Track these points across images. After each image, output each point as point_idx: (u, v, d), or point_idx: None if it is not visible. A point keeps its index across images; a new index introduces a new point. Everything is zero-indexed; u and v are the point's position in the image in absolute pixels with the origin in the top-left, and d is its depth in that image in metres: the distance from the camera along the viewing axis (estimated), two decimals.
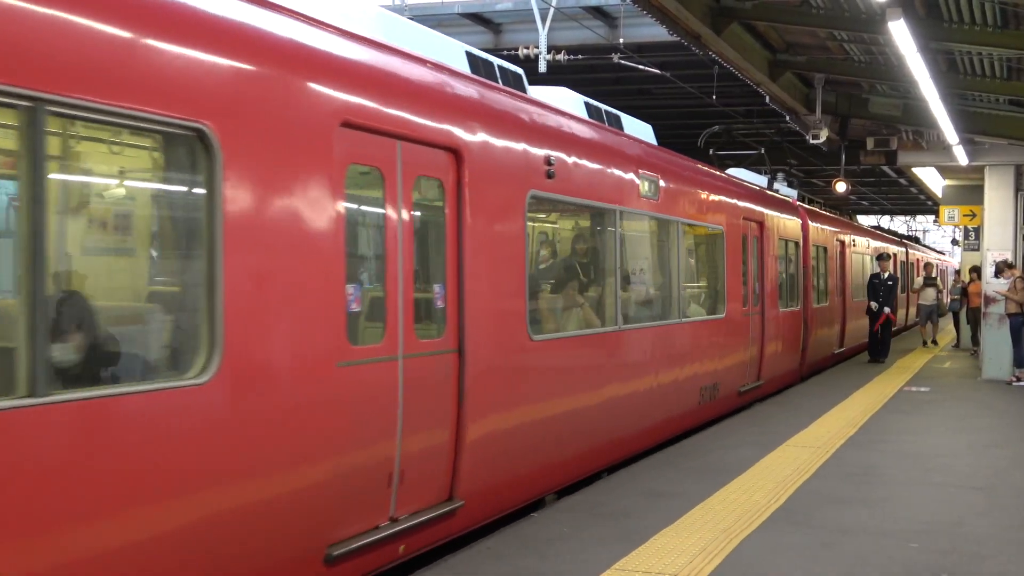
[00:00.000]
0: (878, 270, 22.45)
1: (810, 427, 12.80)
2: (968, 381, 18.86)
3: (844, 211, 37.67)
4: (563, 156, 8.99)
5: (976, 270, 22.77)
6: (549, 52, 18.05)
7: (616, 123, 11.57)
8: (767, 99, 17.83)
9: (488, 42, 19.27)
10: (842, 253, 23.48)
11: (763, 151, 22.65)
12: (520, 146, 8.31)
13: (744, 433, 12.39)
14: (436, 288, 7.15)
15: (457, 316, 7.25)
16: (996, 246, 19.76)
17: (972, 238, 27.38)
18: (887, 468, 10.31)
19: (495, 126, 7.90)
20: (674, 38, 14.08)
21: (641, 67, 18.99)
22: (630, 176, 10.63)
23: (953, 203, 24.49)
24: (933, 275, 26.98)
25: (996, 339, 19.20)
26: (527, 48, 18.21)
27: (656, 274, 12.25)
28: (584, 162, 9.58)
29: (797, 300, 18.68)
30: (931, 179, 29.49)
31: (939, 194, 27.42)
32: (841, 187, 23.67)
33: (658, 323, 11.72)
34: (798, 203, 19.89)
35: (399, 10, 18.24)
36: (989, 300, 19.55)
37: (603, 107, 11.35)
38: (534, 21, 18.06)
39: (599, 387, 9.81)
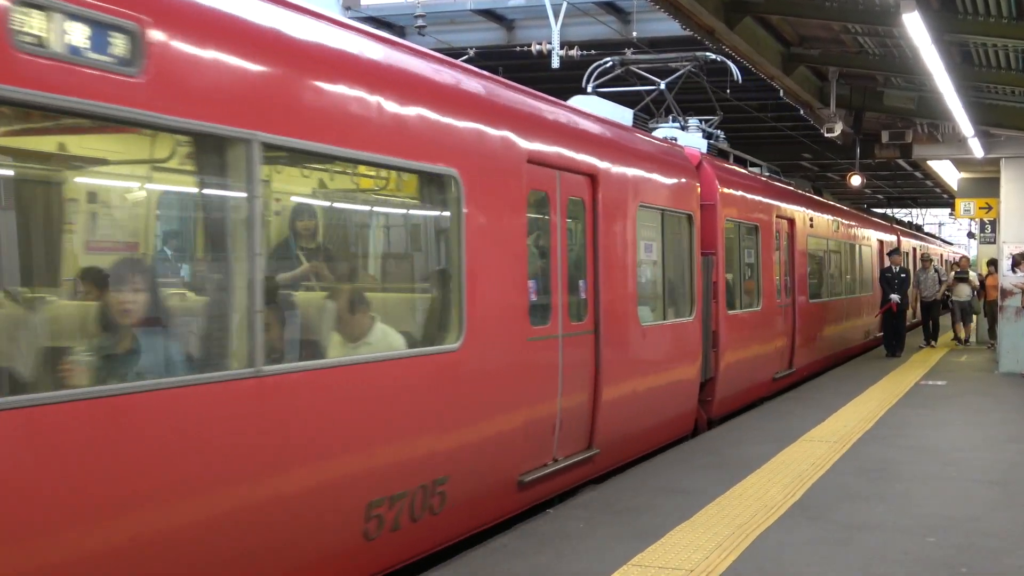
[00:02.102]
0: (889, 264, 22.42)
1: (826, 421, 12.77)
2: (985, 375, 18.78)
3: (859, 204, 35.50)
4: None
5: (993, 263, 22.68)
6: (562, 48, 18.02)
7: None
8: (781, 93, 17.79)
9: (500, 38, 19.27)
10: (791, 235, 17.39)
11: (663, 86, 16.04)
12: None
13: (760, 428, 12.38)
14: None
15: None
16: (1012, 239, 19.67)
17: (988, 231, 27.25)
18: (904, 462, 10.28)
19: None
20: (687, 33, 14.05)
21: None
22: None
23: (969, 196, 24.39)
24: (946, 268, 26.33)
25: (1013, 332, 19.11)
26: (539, 44, 18.19)
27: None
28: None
29: (689, 308, 12.38)
30: (946, 172, 29.35)
31: (954, 187, 27.29)
32: (856, 180, 23.58)
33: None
34: (702, 154, 13.59)
35: (412, 8, 18.24)
36: (1006, 293, 19.45)
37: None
38: (547, 17, 18.03)
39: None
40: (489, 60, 17.61)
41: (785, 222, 16.89)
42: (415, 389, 6.74)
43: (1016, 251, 19.26)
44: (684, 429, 12.26)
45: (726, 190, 13.67)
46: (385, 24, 18.48)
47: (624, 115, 11.99)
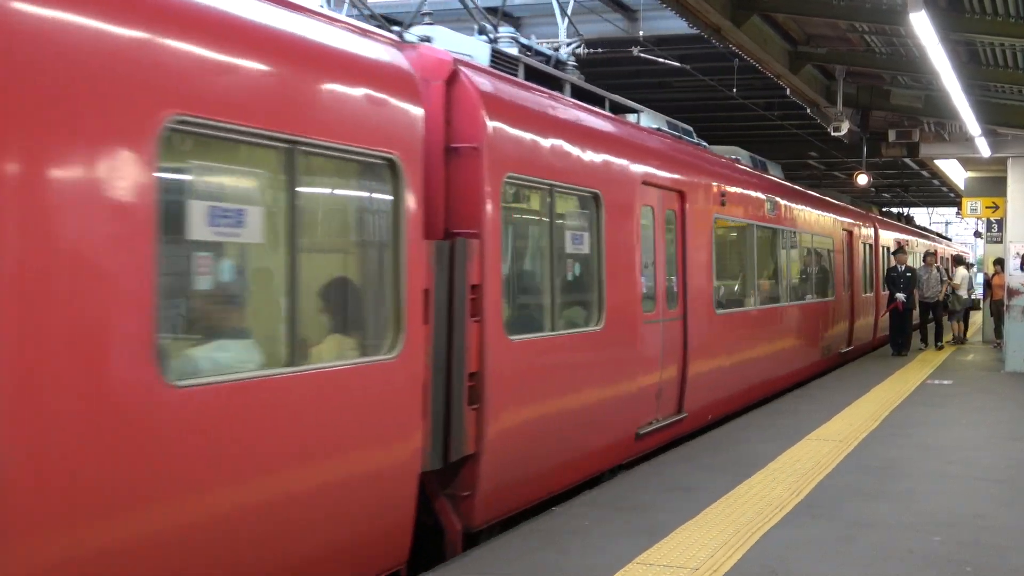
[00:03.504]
0: (895, 263, 22.39)
1: (832, 420, 12.77)
2: (991, 374, 18.76)
3: (867, 201, 34.14)
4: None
5: (999, 262, 22.65)
6: (568, 46, 18.02)
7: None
8: (787, 92, 17.78)
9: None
10: (681, 216, 12.02)
11: None
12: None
13: (766, 426, 12.38)
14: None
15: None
16: (1019, 238, 19.65)
17: (995, 230, 27.21)
18: (909, 461, 10.28)
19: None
20: (694, 31, 14.06)
21: (661, 60, 18.94)
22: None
23: (975, 195, 24.35)
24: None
25: (1019, 332, 19.09)
26: (546, 41, 18.19)
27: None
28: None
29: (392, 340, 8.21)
30: (953, 171, 29.33)
31: (961, 186, 27.26)
32: (862, 179, 23.56)
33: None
34: (458, 61, 7.85)
35: (418, 5, 18.23)
36: (1012, 292, 19.43)
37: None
38: (554, 15, 18.03)
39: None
40: None
41: (670, 196, 11.54)
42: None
43: (1023, 250, 19.24)
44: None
45: (509, 129, 8.02)
46: (393, 21, 18.48)
47: None
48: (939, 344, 23.68)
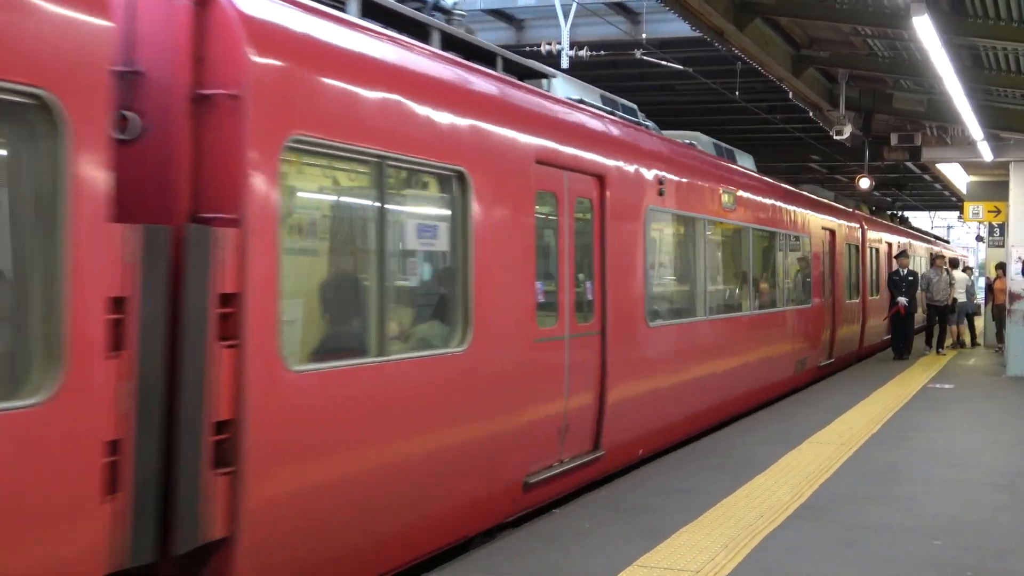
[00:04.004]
0: (897, 267, 22.36)
1: (833, 423, 12.77)
2: (992, 378, 18.75)
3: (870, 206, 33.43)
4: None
5: (1001, 267, 22.63)
6: (571, 48, 18.04)
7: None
8: (790, 95, 17.79)
9: (510, 38, 19.29)
10: (600, 205, 9.74)
11: None
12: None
13: (767, 429, 12.37)
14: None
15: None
16: (1021, 242, 19.64)
17: (997, 234, 27.18)
18: (911, 465, 10.27)
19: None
20: (697, 34, 14.08)
21: (664, 63, 18.96)
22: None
23: (977, 199, 24.33)
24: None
25: (1021, 336, 19.08)
26: (549, 44, 18.21)
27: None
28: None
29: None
30: (955, 175, 29.32)
31: (963, 190, 27.25)
32: (864, 183, 23.55)
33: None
34: None
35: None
36: (1015, 297, 19.42)
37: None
38: (556, 17, 18.05)
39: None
40: None
41: (583, 180, 9.20)
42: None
43: None
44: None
45: (299, 72, 5.82)
46: None
47: None
48: (940, 350, 23.45)
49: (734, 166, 14.80)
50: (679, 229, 12.28)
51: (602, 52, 18.67)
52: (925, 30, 10.87)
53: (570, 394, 8.72)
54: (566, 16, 17.80)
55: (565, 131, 9.00)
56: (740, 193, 13.86)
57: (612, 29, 17.85)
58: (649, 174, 10.63)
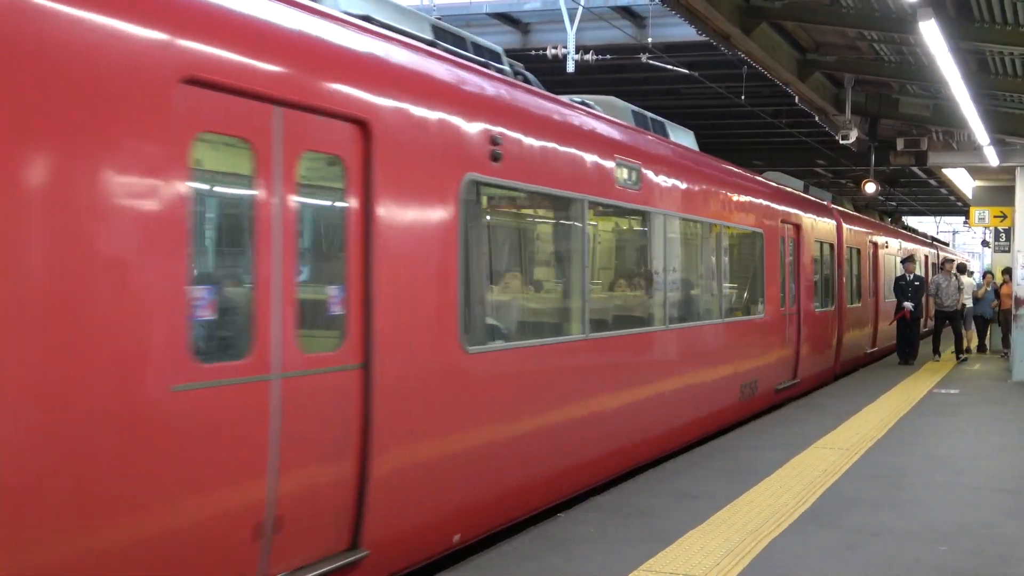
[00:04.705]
0: (903, 272, 22.32)
1: (838, 429, 12.74)
2: (998, 384, 18.70)
3: (875, 210, 32.75)
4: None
5: (1007, 272, 22.59)
6: (577, 52, 18.06)
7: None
8: (796, 99, 17.78)
9: (516, 42, 19.32)
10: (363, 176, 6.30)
11: None
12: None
13: (772, 434, 12.36)
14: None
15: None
16: None
17: (1003, 239, 27.14)
18: (916, 470, 10.25)
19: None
20: (703, 38, 14.08)
21: (669, 67, 18.97)
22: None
23: (983, 204, 24.28)
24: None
25: None
26: (555, 48, 18.23)
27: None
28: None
29: None
30: (961, 180, 29.29)
31: (969, 195, 27.21)
32: (870, 188, 23.53)
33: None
34: None
35: (427, 10, 18.29)
36: (1020, 302, 19.38)
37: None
38: (562, 21, 18.09)
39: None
40: None
41: (304, 125, 5.74)
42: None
43: None
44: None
45: None
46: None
47: None
48: (960, 356, 22.77)
49: (644, 134, 11.08)
50: (538, 212, 9.30)
51: (608, 56, 18.69)
52: (931, 35, 10.85)
53: (283, 470, 5.45)
54: (572, 20, 17.83)
55: (274, 40, 5.57)
56: (650, 170, 10.54)
57: (618, 33, 17.85)
58: (471, 128, 7.32)
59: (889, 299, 23.48)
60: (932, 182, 33.16)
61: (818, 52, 16.33)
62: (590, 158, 9.24)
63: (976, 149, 19.40)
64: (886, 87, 18.69)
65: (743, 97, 20.21)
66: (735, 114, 24.06)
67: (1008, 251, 23.95)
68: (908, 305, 21.40)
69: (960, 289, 22.44)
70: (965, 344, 24.08)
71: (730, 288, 13.74)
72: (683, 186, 11.59)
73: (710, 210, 12.55)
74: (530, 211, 9.17)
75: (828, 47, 16.25)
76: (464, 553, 7.39)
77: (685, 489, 9.16)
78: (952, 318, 22.45)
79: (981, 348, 25.21)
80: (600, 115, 10.14)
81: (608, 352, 9.73)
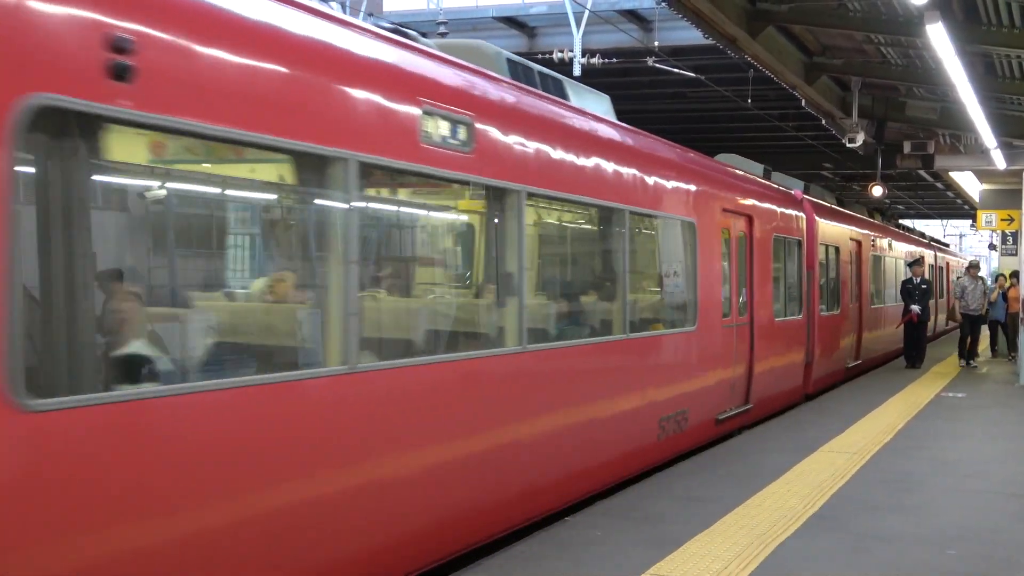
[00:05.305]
0: (910, 275, 22.25)
1: (846, 432, 12.73)
2: (1006, 387, 18.67)
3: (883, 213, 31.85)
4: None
5: (1015, 275, 22.55)
6: (583, 56, 18.06)
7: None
8: (803, 103, 17.77)
9: (522, 46, 19.33)
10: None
11: None
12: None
13: (779, 438, 12.34)
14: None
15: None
16: None
17: (1010, 243, 27.10)
18: (923, 474, 10.23)
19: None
20: (709, 41, 14.09)
21: (676, 71, 18.96)
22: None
23: (991, 207, 24.26)
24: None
25: None
26: (561, 52, 18.23)
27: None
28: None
29: None
30: (968, 183, 29.24)
31: (976, 198, 27.17)
32: (877, 191, 23.51)
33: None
34: None
35: (434, 14, 18.31)
36: None
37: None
38: (568, 25, 18.09)
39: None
40: None
41: None
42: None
43: None
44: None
45: None
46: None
47: None
48: (970, 361, 22.36)
49: (492, 81, 7.78)
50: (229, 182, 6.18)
51: (614, 60, 18.68)
52: (939, 38, 10.84)
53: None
54: (578, 24, 17.83)
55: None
56: (495, 127, 7.45)
57: (624, 36, 17.86)
58: (212, 55, 4.88)
59: (876, 305, 23.18)
60: (939, 185, 33.12)
61: (825, 55, 16.33)
62: (360, 95, 6.00)
63: (983, 152, 19.39)
64: (893, 90, 18.68)
65: (750, 100, 20.20)
66: (742, 117, 24.04)
67: (1015, 254, 23.89)
68: (915, 308, 21.37)
69: (986, 293, 22.30)
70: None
71: (642, 294, 11.04)
72: (564, 156, 8.47)
73: (609, 190, 9.35)
74: (216, 181, 6.09)
75: (835, 50, 16.25)
76: (470, 557, 7.39)
77: (693, 493, 9.15)
78: (976, 322, 22.33)
79: (993, 352, 25.16)
80: (385, 35, 6.69)
81: (431, 382, 6.71)
